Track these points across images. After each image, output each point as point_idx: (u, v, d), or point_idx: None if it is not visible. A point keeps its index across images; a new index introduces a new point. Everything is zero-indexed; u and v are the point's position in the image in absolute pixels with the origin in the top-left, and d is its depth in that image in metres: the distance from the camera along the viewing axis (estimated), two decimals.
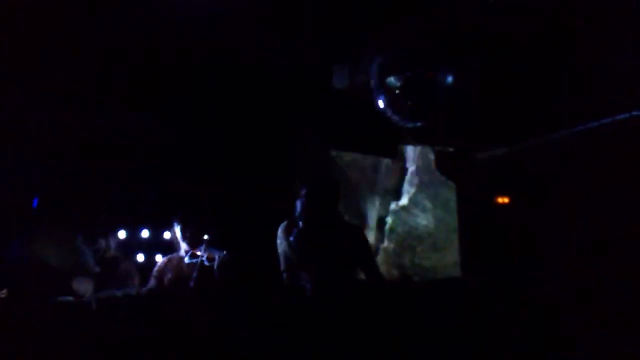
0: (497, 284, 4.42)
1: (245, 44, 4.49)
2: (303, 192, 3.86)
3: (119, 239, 4.62)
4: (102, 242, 4.47)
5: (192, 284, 3.93)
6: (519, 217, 4.84)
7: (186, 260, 4.19)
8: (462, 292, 4.20)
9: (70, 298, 3.65)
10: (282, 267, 3.94)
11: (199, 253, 4.10)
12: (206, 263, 4.05)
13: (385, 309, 3.75)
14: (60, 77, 4.40)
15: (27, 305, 3.48)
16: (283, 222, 3.96)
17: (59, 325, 3.26)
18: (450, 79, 4.17)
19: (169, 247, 4.58)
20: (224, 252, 4.16)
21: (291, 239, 3.86)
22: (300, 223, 3.86)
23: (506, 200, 4.98)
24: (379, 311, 3.72)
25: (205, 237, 4.13)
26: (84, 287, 3.81)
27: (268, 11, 4.24)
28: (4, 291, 3.70)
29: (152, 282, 4.23)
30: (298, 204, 3.88)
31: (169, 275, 4.20)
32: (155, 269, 4.28)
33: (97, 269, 4.26)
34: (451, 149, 5.27)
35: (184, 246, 4.23)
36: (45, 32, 4.09)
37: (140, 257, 4.60)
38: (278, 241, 3.93)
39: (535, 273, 4.55)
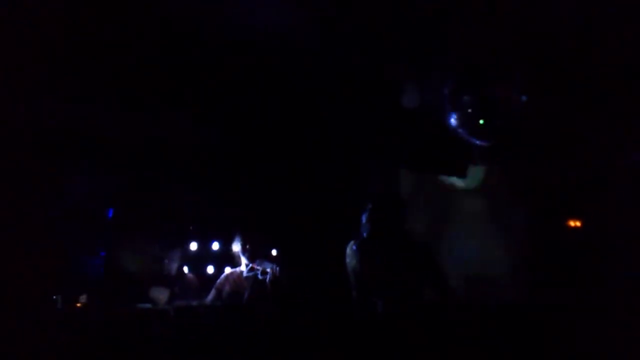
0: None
1: (316, 63, 4.55)
2: (369, 205, 4.00)
3: (190, 251, 4.73)
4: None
5: (246, 297, 4.03)
6: (592, 240, 4.73)
7: (244, 274, 4.26)
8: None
9: (149, 305, 3.77)
10: (352, 284, 3.97)
11: (255, 267, 4.16)
12: (259, 277, 4.10)
13: (454, 325, 3.73)
14: (135, 86, 4.48)
15: (107, 310, 3.59)
16: (347, 238, 4.03)
17: (139, 330, 3.35)
18: (524, 98, 4.15)
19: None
20: (276, 266, 4.21)
21: (354, 247, 3.96)
22: (364, 234, 3.97)
23: (578, 223, 4.89)
24: (448, 327, 3.71)
25: (274, 252, 4.18)
26: (162, 295, 3.92)
27: (338, 28, 4.30)
28: (84, 296, 3.83)
29: (212, 294, 4.31)
30: (363, 217, 4.00)
31: (227, 289, 4.28)
32: (217, 281, 4.35)
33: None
34: (520, 170, 5.20)
35: (244, 260, 4.30)
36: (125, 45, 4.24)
37: (210, 269, 4.69)
38: (347, 259, 3.99)
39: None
